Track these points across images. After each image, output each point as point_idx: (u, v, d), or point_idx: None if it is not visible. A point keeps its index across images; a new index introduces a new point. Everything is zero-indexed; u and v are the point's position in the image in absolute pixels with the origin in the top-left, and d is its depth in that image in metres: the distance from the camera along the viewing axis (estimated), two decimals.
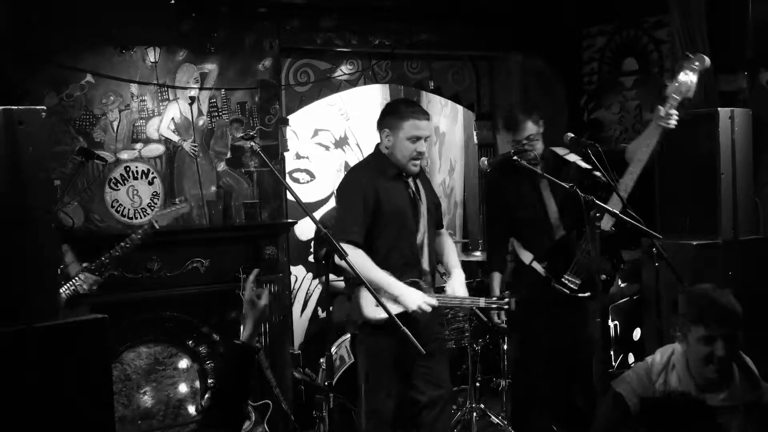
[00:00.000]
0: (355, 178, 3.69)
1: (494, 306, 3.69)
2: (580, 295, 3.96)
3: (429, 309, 3.47)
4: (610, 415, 2.85)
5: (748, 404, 2.71)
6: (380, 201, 3.54)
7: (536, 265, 4.10)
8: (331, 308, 4.50)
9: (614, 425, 2.83)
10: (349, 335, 4.53)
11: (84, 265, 3.69)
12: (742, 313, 2.68)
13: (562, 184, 3.42)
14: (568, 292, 3.96)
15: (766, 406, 2.72)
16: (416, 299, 3.46)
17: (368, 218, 3.50)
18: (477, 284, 4.83)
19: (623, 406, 2.79)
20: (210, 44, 4.55)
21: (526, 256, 4.10)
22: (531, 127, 4.05)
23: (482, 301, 3.64)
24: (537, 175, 3.81)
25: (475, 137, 5.98)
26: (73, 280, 3.62)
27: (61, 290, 3.59)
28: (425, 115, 3.59)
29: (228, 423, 2.22)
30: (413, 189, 3.65)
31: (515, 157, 3.65)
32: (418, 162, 3.57)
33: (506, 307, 3.62)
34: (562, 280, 3.99)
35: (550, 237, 4.04)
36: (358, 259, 3.36)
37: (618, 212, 3.39)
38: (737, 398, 2.71)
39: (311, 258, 6.04)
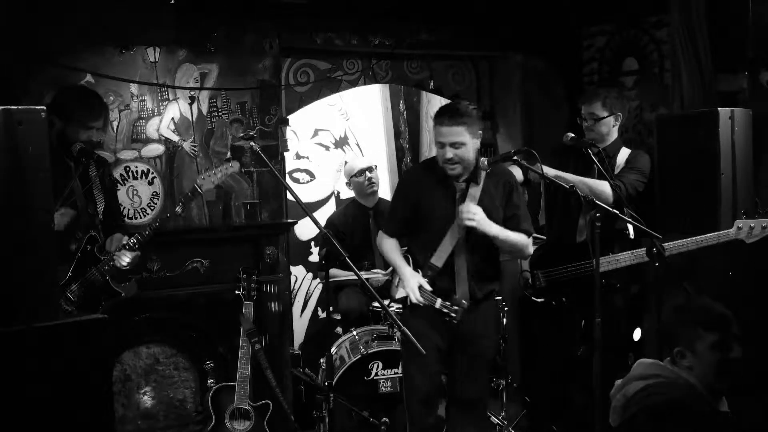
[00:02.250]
0: (408, 174, 3.99)
1: (444, 311, 3.48)
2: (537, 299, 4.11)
3: (413, 299, 3.51)
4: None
5: None
6: (420, 202, 3.63)
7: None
8: (331, 308, 4.52)
9: None
10: (349, 335, 4.54)
11: (123, 241, 3.68)
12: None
13: (562, 183, 3.42)
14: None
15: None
16: (410, 283, 3.53)
17: (405, 214, 3.69)
18: None
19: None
20: (210, 44, 4.54)
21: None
22: (597, 106, 4.05)
23: (438, 303, 3.49)
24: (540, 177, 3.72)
25: None
26: (113, 257, 3.61)
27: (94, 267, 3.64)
28: (450, 121, 3.46)
29: None
30: (461, 195, 3.56)
31: (515, 157, 3.64)
32: (450, 166, 3.49)
33: (453, 315, 3.44)
34: (535, 272, 4.06)
35: (571, 228, 4.04)
36: (387, 245, 3.72)
37: (618, 212, 3.39)
38: None
39: (311, 258, 6.06)
